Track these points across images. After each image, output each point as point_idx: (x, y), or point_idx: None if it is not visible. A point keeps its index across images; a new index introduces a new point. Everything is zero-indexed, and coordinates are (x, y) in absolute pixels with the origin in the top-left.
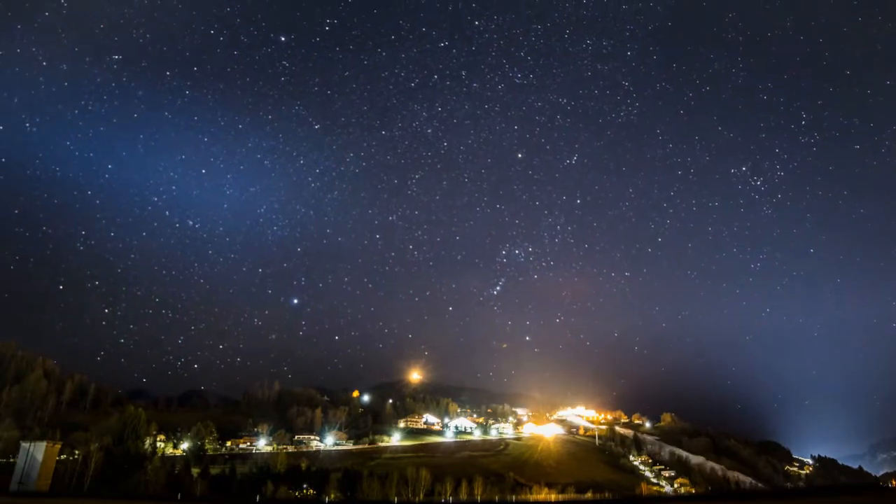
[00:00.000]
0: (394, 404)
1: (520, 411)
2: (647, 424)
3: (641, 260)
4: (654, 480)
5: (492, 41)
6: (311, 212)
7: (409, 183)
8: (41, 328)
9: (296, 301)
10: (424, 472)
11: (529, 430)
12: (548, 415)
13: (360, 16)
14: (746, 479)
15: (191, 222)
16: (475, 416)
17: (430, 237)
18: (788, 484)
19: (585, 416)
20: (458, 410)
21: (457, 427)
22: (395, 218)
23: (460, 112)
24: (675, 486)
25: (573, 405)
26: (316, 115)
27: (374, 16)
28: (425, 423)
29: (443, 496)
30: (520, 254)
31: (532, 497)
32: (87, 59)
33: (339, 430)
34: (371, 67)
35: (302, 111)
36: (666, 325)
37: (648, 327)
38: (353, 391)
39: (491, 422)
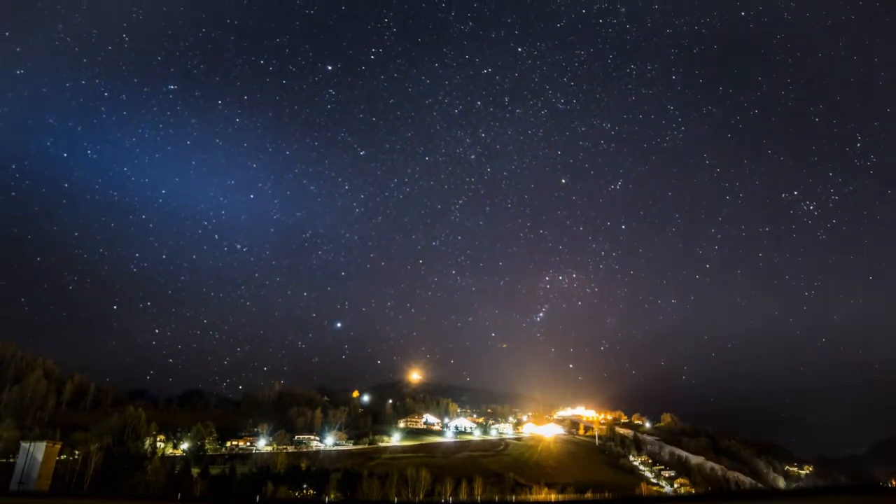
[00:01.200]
0: (394, 404)
1: (520, 411)
2: (647, 424)
3: (689, 287)
4: (654, 480)
5: (534, 67)
6: (356, 237)
7: (452, 208)
8: (94, 347)
9: (339, 325)
10: (424, 473)
11: (529, 430)
12: (548, 415)
13: (405, 45)
14: (746, 480)
15: (238, 246)
16: (475, 416)
17: (473, 262)
18: (797, 484)
19: (585, 416)
20: (459, 410)
21: (457, 427)
22: (438, 243)
23: (503, 138)
24: (675, 486)
25: (573, 405)
26: (361, 141)
27: (418, 44)
28: (425, 423)
29: (443, 496)
30: (563, 280)
31: (532, 497)
32: (145, 89)
33: (339, 430)
34: (415, 95)
35: (347, 138)
36: (715, 354)
37: (697, 356)
38: (353, 391)
39: (491, 422)
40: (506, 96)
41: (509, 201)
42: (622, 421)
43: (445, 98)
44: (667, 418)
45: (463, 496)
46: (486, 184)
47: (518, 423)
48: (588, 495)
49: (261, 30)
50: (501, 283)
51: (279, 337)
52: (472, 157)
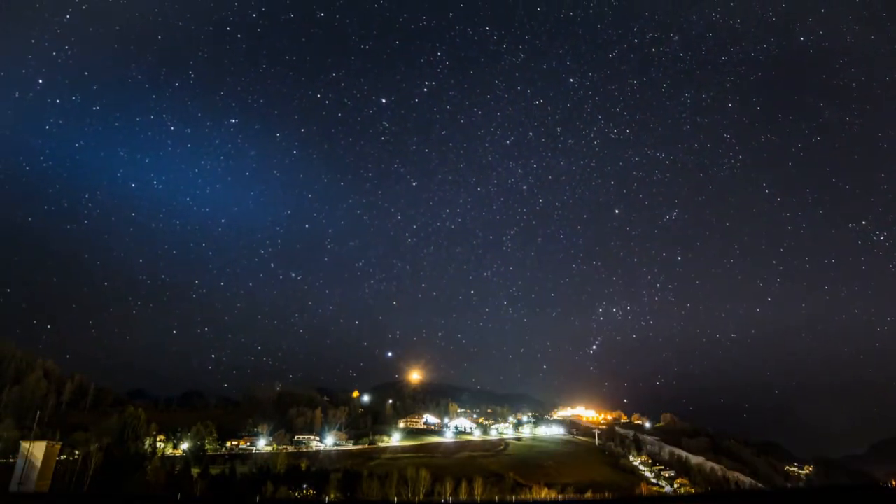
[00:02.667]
0: (394, 404)
1: (520, 412)
2: (647, 424)
3: (749, 321)
4: (654, 480)
5: (587, 98)
6: (408, 266)
7: (504, 239)
8: (156, 372)
9: (390, 354)
10: (424, 473)
11: (529, 430)
12: (548, 415)
13: (457, 77)
14: (746, 480)
15: (293, 274)
16: (475, 416)
17: (525, 294)
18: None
19: (585, 416)
20: (459, 411)
21: (457, 427)
22: (489, 274)
23: (556, 168)
24: (675, 486)
25: (573, 405)
26: (413, 172)
27: (470, 77)
28: (425, 423)
29: (443, 496)
30: (617, 312)
31: (532, 497)
32: (208, 123)
33: (339, 430)
34: (467, 126)
35: (400, 169)
36: (779, 391)
37: (759, 392)
38: (353, 391)
39: (491, 422)
40: (558, 127)
41: (561, 232)
42: (622, 421)
43: (497, 129)
44: (667, 418)
45: (463, 496)
46: (538, 214)
47: (518, 424)
48: (588, 495)
49: (318, 65)
50: (554, 314)
51: (330, 365)
52: (524, 187)
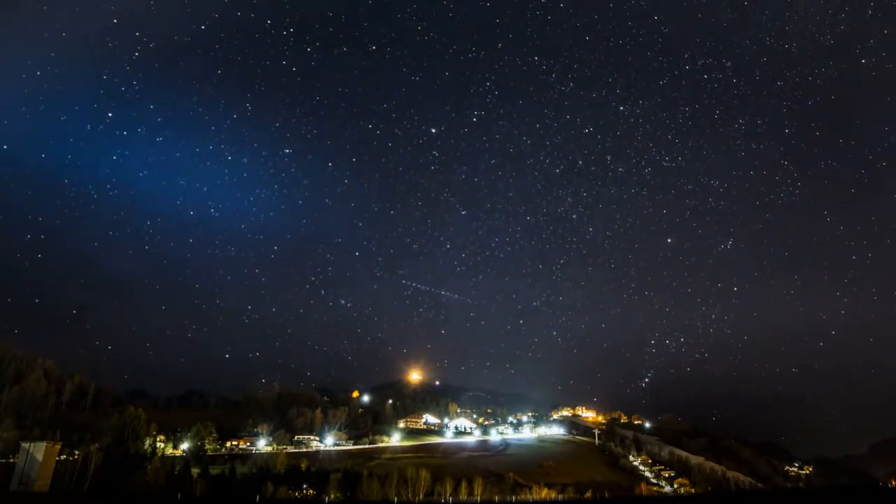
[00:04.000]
0: (394, 404)
1: (520, 412)
2: (647, 424)
3: (812, 355)
4: (654, 480)
5: (637, 125)
6: (456, 295)
7: (553, 268)
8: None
9: (437, 383)
10: (424, 473)
11: (529, 430)
12: (547, 415)
13: (506, 107)
14: (746, 480)
15: (343, 301)
16: (475, 416)
17: (575, 324)
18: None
19: (585, 416)
20: (459, 411)
21: (457, 427)
22: (538, 303)
23: (606, 197)
24: (675, 486)
25: (573, 405)
26: (462, 201)
27: (519, 106)
28: (425, 423)
29: (443, 496)
30: (670, 344)
31: (532, 497)
32: (264, 153)
33: (339, 430)
34: (516, 155)
35: (450, 198)
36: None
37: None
38: (353, 391)
39: (491, 422)
40: (608, 155)
41: (612, 261)
42: (622, 421)
43: (546, 158)
44: (667, 418)
45: (463, 496)
46: (588, 243)
47: (518, 424)
48: (588, 495)
49: (369, 97)
50: (604, 345)
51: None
52: (574, 216)
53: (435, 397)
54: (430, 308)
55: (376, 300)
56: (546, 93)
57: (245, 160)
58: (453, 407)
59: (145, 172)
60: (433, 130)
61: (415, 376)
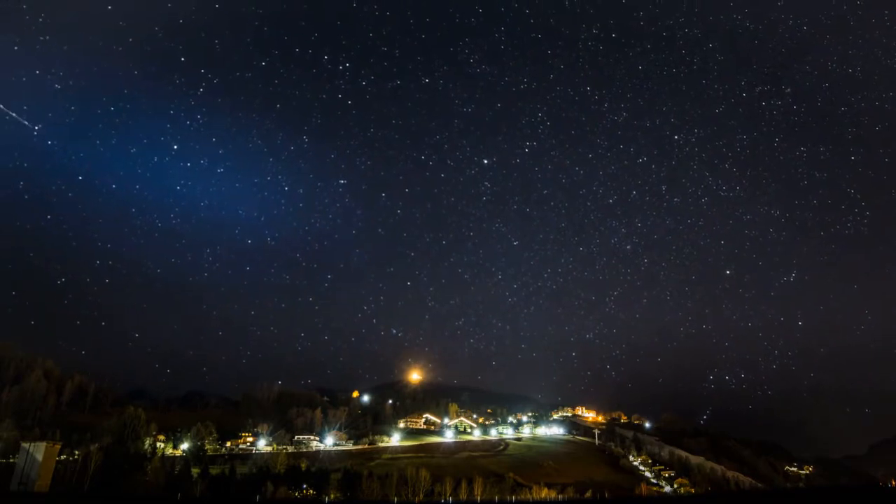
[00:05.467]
0: (394, 405)
1: (520, 412)
2: (647, 424)
3: (888, 393)
4: (654, 480)
5: (693, 154)
6: (508, 326)
7: (606, 300)
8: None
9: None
10: (424, 473)
11: (529, 430)
12: (547, 415)
13: (559, 137)
14: (746, 480)
15: (394, 331)
16: (475, 416)
17: (629, 357)
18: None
19: (585, 416)
20: (458, 411)
21: (456, 427)
22: (591, 336)
23: (661, 227)
24: (675, 486)
25: (573, 405)
26: (514, 231)
27: (571, 136)
28: (425, 423)
29: (442, 496)
30: (730, 380)
31: (532, 497)
32: (319, 183)
33: (339, 430)
34: (569, 185)
35: (501, 228)
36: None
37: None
38: (353, 392)
39: (490, 422)
40: (662, 185)
41: (668, 293)
42: (622, 421)
43: (599, 188)
44: (667, 418)
45: (463, 496)
46: (643, 275)
47: (518, 424)
48: (588, 495)
49: (422, 128)
50: (660, 380)
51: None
52: (628, 247)
53: (435, 397)
54: (480, 339)
55: (427, 330)
56: (599, 122)
57: (301, 190)
58: (453, 407)
59: (206, 202)
60: (485, 161)
61: (415, 376)
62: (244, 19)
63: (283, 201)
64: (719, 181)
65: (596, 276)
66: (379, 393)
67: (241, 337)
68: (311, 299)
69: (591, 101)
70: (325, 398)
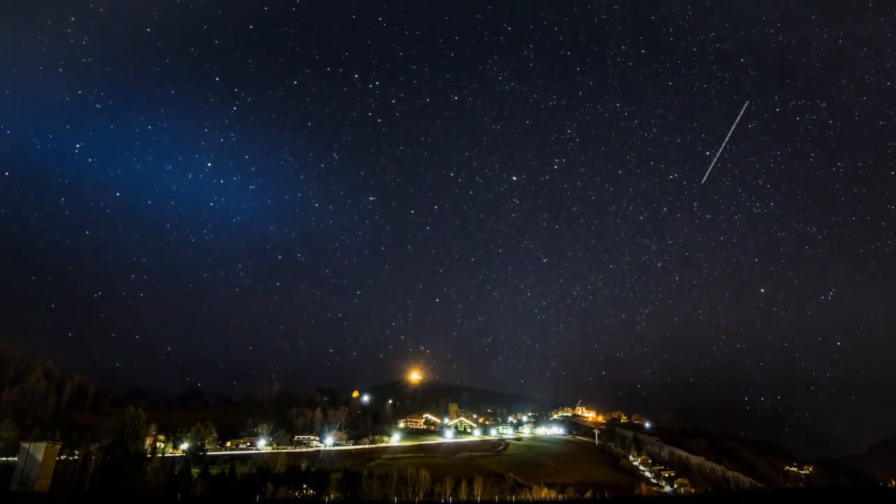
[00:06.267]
0: (394, 405)
1: (520, 412)
2: (647, 424)
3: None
4: (654, 480)
5: (725, 170)
6: (536, 344)
7: (637, 318)
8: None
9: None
10: (424, 473)
11: (529, 430)
12: (547, 415)
13: (588, 153)
14: (746, 480)
15: (422, 347)
16: (475, 416)
17: (661, 376)
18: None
19: (585, 416)
20: (458, 411)
21: (456, 427)
22: (622, 354)
23: (692, 245)
24: (675, 486)
25: (573, 405)
26: (544, 248)
27: (601, 153)
28: (425, 423)
29: (443, 496)
30: (766, 402)
31: (532, 497)
32: (349, 200)
33: (339, 430)
34: (598, 202)
35: (531, 245)
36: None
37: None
38: (353, 392)
39: (490, 422)
40: (694, 202)
41: (700, 311)
42: (622, 421)
43: (630, 205)
44: (667, 418)
45: (463, 496)
46: (675, 293)
47: (518, 424)
48: (588, 495)
49: (451, 145)
50: (693, 400)
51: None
52: (659, 264)
53: (435, 397)
54: (509, 357)
55: (456, 347)
56: (628, 139)
57: (331, 207)
58: (453, 407)
59: (238, 218)
60: (514, 178)
61: (415, 376)
62: (276, 40)
63: (313, 218)
64: (752, 198)
65: (626, 294)
66: (379, 393)
67: (272, 353)
68: (339, 315)
69: (620, 118)
70: (325, 398)
